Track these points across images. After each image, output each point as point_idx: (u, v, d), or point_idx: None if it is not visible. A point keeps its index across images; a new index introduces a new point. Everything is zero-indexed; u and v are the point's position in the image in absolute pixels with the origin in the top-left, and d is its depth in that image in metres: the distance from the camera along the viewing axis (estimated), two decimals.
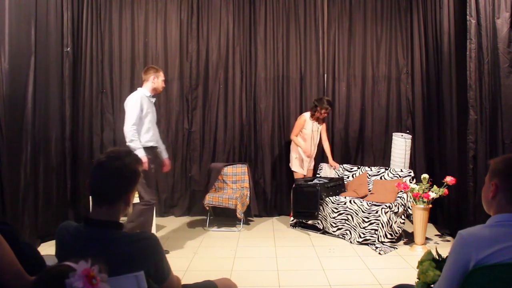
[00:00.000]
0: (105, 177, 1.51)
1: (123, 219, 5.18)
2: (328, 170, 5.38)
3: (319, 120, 5.28)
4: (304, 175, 5.32)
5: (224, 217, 5.49)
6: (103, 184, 1.51)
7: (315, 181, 5.07)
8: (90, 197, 1.57)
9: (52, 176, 4.62)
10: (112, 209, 1.52)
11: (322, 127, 5.38)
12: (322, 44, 5.88)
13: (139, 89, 4.24)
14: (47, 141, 4.57)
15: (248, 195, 5.33)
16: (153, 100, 4.28)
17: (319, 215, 4.80)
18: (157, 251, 1.53)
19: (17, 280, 1.47)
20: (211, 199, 5.12)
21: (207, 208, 5.23)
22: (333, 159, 5.75)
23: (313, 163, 5.46)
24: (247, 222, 5.39)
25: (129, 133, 3.93)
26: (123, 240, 1.48)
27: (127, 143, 3.95)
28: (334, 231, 4.69)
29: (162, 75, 4.30)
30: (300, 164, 5.31)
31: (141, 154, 3.92)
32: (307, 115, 5.30)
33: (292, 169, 5.36)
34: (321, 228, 4.86)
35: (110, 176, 1.50)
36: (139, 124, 4.01)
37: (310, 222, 4.98)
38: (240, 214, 5.02)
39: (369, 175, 5.11)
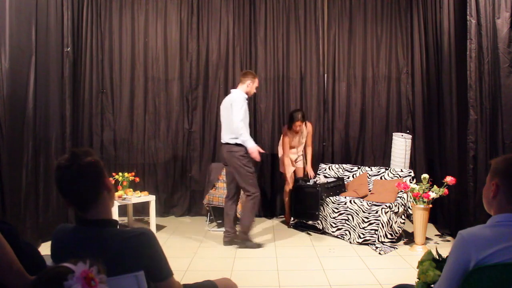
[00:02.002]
0: (74, 185, 1.44)
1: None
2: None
3: (297, 132, 5.13)
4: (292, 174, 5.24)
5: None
6: (76, 191, 1.45)
7: (316, 179, 5.07)
8: (72, 206, 1.51)
9: (52, 176, 4.62)
10: (100, 206, 1.49)
11: (308, 134, 5.25)
12: (322, 44, 5.88)
13: (235, 91, 4.42)
14: (47, 140, 4.57)
15: None
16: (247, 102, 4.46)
17: (320, 215, 4.80)
18: (151, 247, 1.48)
19: (17, 279, 1.47)
20: (211, 199, 5.12)
21: (207, 208, 5.22)
22: (333, 159, 5.77)
23: (301, 162, 5.37)
24: None
25: (238, 127, 4.21)
26: (118, 238, 1.46)
27: (239, 137, 4.25)
28: (333, 231, 4.68)
29: (257, 82, 4.55)
30: (286, 163, 5.20)
31: (252, 144, 4.28)
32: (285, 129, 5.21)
33: (281, 170, 5.35)
34: (321, 228, 4.86)
35: (78, 182, 1.44)
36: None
37: (310, 222, 4.98)
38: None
39: (369, 175, 5.10)
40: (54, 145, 4.66)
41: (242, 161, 4.30)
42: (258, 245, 4.43)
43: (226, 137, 4.40)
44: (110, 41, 5.69)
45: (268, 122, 5.85)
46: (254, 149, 4.28)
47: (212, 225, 5.31)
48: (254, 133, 5.85)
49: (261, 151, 4.36)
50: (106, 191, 1.51)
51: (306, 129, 5.21)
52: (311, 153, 5.34)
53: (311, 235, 4.83)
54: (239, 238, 4.44)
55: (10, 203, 3.84)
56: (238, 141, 4.29)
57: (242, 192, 4.51)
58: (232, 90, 4.50)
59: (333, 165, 5.46)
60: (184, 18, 5.79)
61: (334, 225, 4.69)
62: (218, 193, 5.21)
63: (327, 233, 4.78)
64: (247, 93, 4.41)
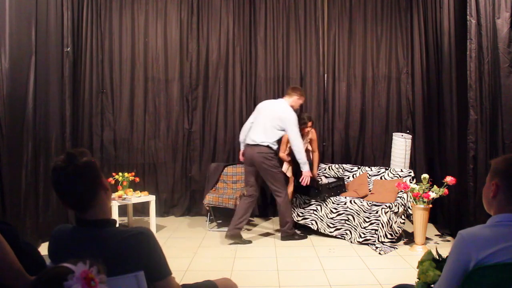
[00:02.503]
0: (71, 186, 1.44)
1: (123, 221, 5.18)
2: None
3: (304, 135, 5.08)
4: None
5: (224, 217, 5.48)
6: (73, 192, 1.45)
7: (318, 179, 5.07)
8: (70, 208, 1.51)
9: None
10: (97, 206, 1.49)
11: (313, 139, 5.18)
12: (322, 44, 5.88)
13: (284, 102, 4.58)
14: (47, 141, 4.57)
15: None
16: None
17: (320, 200, 4.81)
18: (150, 246, 1.48)
19: (17, 279, 1.48)
20: (211, 199, 5.11)
21: (207, 208, 5.22)
22: (333, 159, 5.77)
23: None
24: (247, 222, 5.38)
25: (299, 145, 4.44)
26: (117, 238, 1.46)
27: (299, 157, 4.44)
28: (331, 232, 4.67)
29: (303, 100, 4.77)
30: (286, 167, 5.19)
31: (307, 168, 4.50)
32: None
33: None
34: (316, 229, 4.80)
35: (75, 182, 1.44)
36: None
37: (302, 222, 4.93)
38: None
39: (369, 175, 5.10)
40: (54, 145, 4.66)
41: (272, 161, 4.47)
42: (304, 236, 4.68)
43: (258, 138, 4.47)
44: (110, 41, 5.69)
45: None
46: (308, 173, 4.50)
47: (212, 225, 5.31)
48: None
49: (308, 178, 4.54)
50: (103, 191, 1.51)
51: (311, 133, 5.15)
52: (317, 159, 5.28)
53: (310, 235, 4.82)
54: (286, 238, 4.60)
55: (10, 203, 3.84)
56: (270, 145, 4.47)
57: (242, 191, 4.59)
58: (281, 100, 4.64)
59: (333, 165, 5.46)
60: (184, 18, 5.78)
61: (332, 225, 4.68)
62: (218, 193, 5.21)
63: (323, 234, 4.74)
64: (292, 107, 4.57)
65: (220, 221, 5.44)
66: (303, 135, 5.05)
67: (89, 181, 1.47)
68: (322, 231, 4.74)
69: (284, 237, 4.61)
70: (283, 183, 4.56)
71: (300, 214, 4.97)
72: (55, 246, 1.56)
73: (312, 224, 4.84)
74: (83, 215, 1.49)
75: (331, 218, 4.69)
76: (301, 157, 4.45)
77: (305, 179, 4.50)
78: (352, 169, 5.31)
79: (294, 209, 5.07)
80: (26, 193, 4.13)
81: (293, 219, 4.81)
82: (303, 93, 4.74)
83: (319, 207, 4.82)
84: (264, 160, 4.43)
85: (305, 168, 4.48)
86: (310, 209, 4.90)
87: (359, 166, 5.34)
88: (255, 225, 5.36)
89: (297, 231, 4.82)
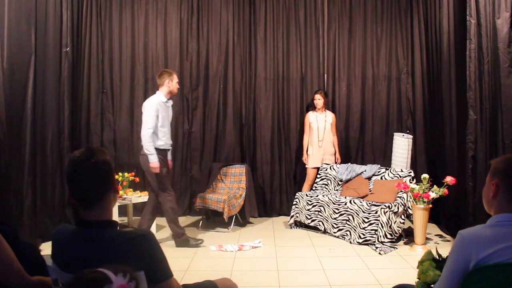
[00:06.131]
0: (86, 180, 1.46)
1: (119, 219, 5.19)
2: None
3: (317, 108, 5.44)
4: (317, 168, 5.49)
5: (223, 217, 5.46)
6: (87, 188, 1.46)
7: None
8: (77, 202, 1.51)
9: (50, 176, 4.62)
10: (104, 206, 1.49)
11: (332, 123, 5.47)
12: (322, 44, 5.89)
13: (157, 92, 4.35)
14: (46, 140, 4.56)
15: (243, 195, 5.27)
16: (169, 103, 4.42)
17: None
18: (152, 248, 1.48)
19: (17, 279, 1.48)
20: (201, 200, 5.11)
21: (197, 209, 5.25)
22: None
23: (329, 155, 5.51)
24: (244, 224, 5.35)
25: (145, 137, 4.13)
26: (118, 239, 1.46)
27: (144, 147, 4.15)
28: (335, 232, 4.68)
29: (176, 78, 4.39)
30: (311, 159, 5.47)
31: (154, 159, 4.13)
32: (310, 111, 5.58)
33: (306, 166, 5.53)
34: (322, 229, 4.84)
35: (90, 177, 1.46)
36: (155, 129, 4.21)
37: (312, 224, 4.94)
38: (226, 217, 4.94)
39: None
40: (53, 145, 4.66)
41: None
42: None
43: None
44: (110, 41, 5.69)
45: (268, 122, 5.84)
46: (155, 164, 4.12)
47: (211, 224, 5.30)
48: (254, 133, 5.85)
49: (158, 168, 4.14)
50: (112, 192, 1.52)
51: (331, 117, 5.49)
52: (336, 141, 5.54)
53: (310, 235, 4.81)
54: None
55: (9, 203, 3.84)
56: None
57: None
58: (157, 92, 4.35)
59: (334, 165, 5.45)
60: (184, 18, 5.78)
61: (335, 226, 4.69)
62: (208, 195, 5.13)
63: (328, 233, 4.77)
64: (170, 92, 4.31)
65: (220, 221, 5.43)
66: (315, 107, 5.45)
67: (101, 179, 1.48)
68: (328, 231, 4.76)
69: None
70: (161, 192, 4.27)
71: (308, 216, 4.96)
72: (56, 246, 1.56)
73: (319, 225, 4.86)
74: (87, 214, 1.49)
75: (335, 219, 4.69)
76: (146, 148, 4.12)
77: (156, 169, 4.10)
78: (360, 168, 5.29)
79: (296, 211, 5.06)
80: (25, 193, 4.12)
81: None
82: (171, 72, 4.36)
83: (322, 208, 4.82)
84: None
85: (153, 159, 4.09)
86: (315, 210, 4.90)
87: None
88: (254, 225, 5.35)
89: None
